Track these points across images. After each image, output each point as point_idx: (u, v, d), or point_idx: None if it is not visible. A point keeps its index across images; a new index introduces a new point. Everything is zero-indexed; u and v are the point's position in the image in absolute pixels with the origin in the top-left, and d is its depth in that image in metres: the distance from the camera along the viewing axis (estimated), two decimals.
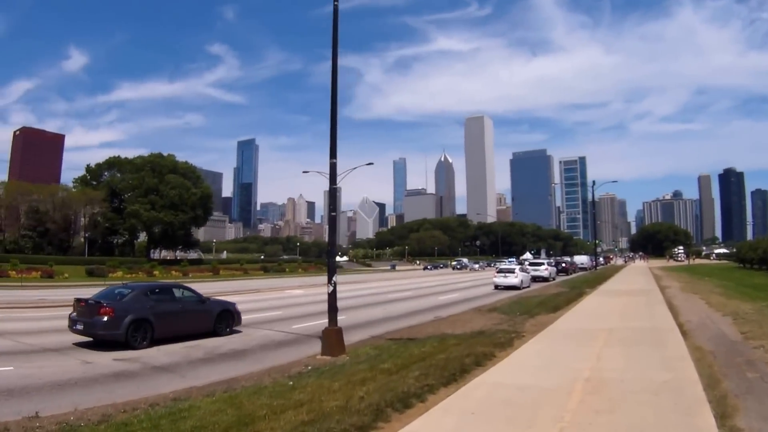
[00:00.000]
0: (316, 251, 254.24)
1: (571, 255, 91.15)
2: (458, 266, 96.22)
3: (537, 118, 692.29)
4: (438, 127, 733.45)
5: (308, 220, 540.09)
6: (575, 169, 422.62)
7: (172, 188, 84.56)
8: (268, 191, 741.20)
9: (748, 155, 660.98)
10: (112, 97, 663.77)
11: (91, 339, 13.98)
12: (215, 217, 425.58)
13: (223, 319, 16.38)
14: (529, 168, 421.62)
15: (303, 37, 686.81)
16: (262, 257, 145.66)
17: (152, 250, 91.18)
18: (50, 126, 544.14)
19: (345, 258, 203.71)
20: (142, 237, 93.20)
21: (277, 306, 25.88)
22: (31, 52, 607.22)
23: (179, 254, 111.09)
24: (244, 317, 17.69)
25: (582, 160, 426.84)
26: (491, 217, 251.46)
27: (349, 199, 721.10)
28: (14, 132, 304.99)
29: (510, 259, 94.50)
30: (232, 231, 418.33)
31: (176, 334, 14.86)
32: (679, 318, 17.21)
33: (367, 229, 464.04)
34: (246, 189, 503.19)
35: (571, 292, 28.97)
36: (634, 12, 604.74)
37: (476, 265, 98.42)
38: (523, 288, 35.65)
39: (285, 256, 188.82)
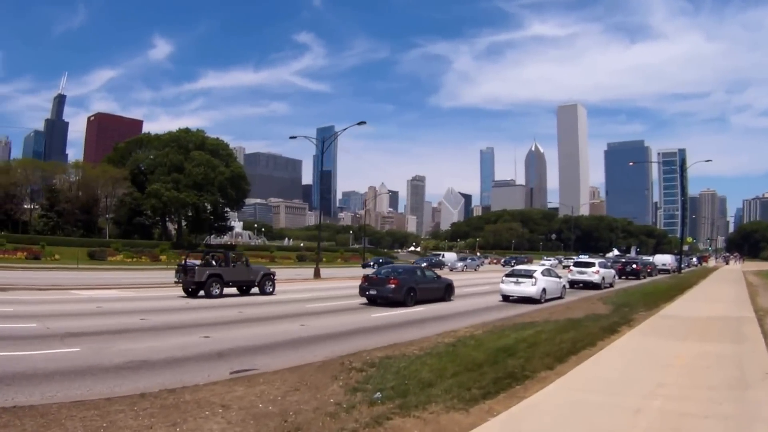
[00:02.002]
0: (390, 241, 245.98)
1: (666, 254, 73.46)
2: (510, 262, 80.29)
3: (635, 108, 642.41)
4: (529, 116, 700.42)
5: (390, 209, 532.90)
6: (674, 162, 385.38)
7: (196, 166, 76.93)
8: (350, 180, 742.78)
9: None
10: (198, 86, 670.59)
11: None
12: (295, 204, 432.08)
13: (448, 290, 23.66)
14: (625, 160, 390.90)
15: (390, 25, 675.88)
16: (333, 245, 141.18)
17: (177, 233, 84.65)
18: (135, 114, 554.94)
19: (417, 248, 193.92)
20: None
21: None
22: (114, 41, 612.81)
23: (221, 239, 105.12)
24: None
25: (681, 152, 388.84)
26: (584, 211, 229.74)
27: (434, 190, 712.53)
28: (89, 117, 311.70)
29: (583, 255, 79.02)
30: (312, 218, 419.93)
31: (426, 298, 21.91)
32: None
33: (451, 220, 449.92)
34: (326, 177, 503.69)
35: (611, 316, 16.51)
36: None
37: (548, 262, 79.19)
38: (546, 301, 23.35)
39: (356, 245, 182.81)
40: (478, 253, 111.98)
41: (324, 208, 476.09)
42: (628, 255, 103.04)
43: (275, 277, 25.23)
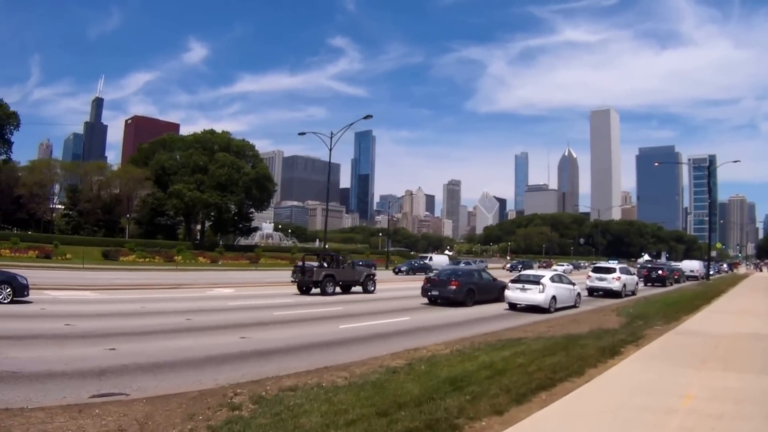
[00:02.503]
0: (425, 244, 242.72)
1: (695, 260, 68.29)
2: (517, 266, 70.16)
3: (667, 113, 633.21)
4: (563, 121, 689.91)
5: (427, 213, 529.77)
6: (704, 168, 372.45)
7: (220, 167, 76.07)
8: (387, 184, 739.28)
9: None
10: (235, 90, 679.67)
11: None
12: (332, 207, 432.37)
13: (502, 292, 22.58)
14: (657, 166, 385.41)
15: (425, 29, 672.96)
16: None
17: (198, 233, 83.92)
18: (173, 117, 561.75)
19: (450, 252, 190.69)
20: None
21: None
22: (150, 44, 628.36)
23: (251, 239, 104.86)
24: None
25: (711, 158, 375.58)
26: (615, 216, 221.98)
27: (470, 194, 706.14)
28: (126, 120, 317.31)
29: (613, 261, 74.57)
30: (348, 221, 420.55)
31: (483, 299, 22.77)
32: None
33: (486, 224, 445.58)
34: (363, 180, 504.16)
35: (619, 331, 13.79)
36: (765, 6, 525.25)
37: (561, 267, 71.63)
38: (556, 310, 20.59)
39: (392, 248, 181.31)
40: (508, 257, 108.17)
41: (361, 212, 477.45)
42: (658, 261, 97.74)
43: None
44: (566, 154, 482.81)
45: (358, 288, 27.38)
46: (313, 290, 25.34)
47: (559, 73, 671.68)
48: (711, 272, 55.86)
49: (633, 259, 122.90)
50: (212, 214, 78.53)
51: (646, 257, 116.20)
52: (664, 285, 39.09)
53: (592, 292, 28.57)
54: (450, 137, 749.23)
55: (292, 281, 26.49)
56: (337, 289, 26.00)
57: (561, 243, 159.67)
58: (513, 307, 21.14)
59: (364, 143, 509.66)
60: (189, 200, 73.22)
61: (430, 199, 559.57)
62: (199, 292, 26.30)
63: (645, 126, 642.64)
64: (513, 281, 21.56)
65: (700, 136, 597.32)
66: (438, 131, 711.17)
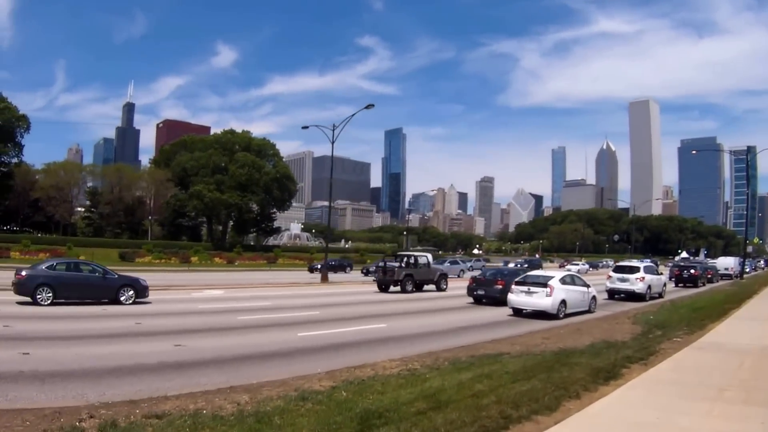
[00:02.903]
0: (454, 243, 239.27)
1: (730, 256, 63.79)
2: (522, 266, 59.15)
3: (706, 104, 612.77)
4: (600, 113, 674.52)
5: (459, 211, 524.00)
6: (743, 161, 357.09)
7: (240, 167, 75.25)
8: (419, 182, 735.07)
9: None
10: (265, 91, 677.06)
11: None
12: (362, 206, 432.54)
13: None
14: (698, 158, 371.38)
15: (454, 24, 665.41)
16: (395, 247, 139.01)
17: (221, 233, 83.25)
18: (205, 120, 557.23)
19: (480, 251, 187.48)
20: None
21: None
22: (178, 49, 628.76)
23: (276, 240, 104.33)
24: None
25: (751, 148, 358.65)
26: (655, 211, 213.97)
27: (504, 191, 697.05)
28: (157, 124, 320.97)
29: (645, 259, 70.42)
30: (379, 220, 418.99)
31: None
32: None
33: (520, 222, 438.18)
34: (394, 179, 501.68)
35: (627, 345, 11.41)
36: None
37: (581, 267, 63.75)
38: (565, 316, 18.24)
39: (419, 247, 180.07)
40: (537, 255, 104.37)
41: (392, 211, 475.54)
42: (695, 258, 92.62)
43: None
44: (604, 147, 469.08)
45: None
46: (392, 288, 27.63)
47: (594, 64, 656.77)
48: (747, 269, 51.85)
49: (671, 257, 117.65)
50: (233, 214, 77.80)
51: (684, 255, 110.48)
52: (695, 285, 35.79)
53: (613, 294, 25.82)
54: (483, 133, 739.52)
55: (373, 280, 29.60)
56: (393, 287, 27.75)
57: (596, 240, 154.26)
58: (518, 312, 18.84)
59: (395, 141, 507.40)
60: (209, 201, 72.63)
61: (462, 197, 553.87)
62: (186, 294, 24.88)
63: (685, 117, 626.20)
64: (517, 283, 19.15)
65: (741, 126, 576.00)
66: (470, 127, 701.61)
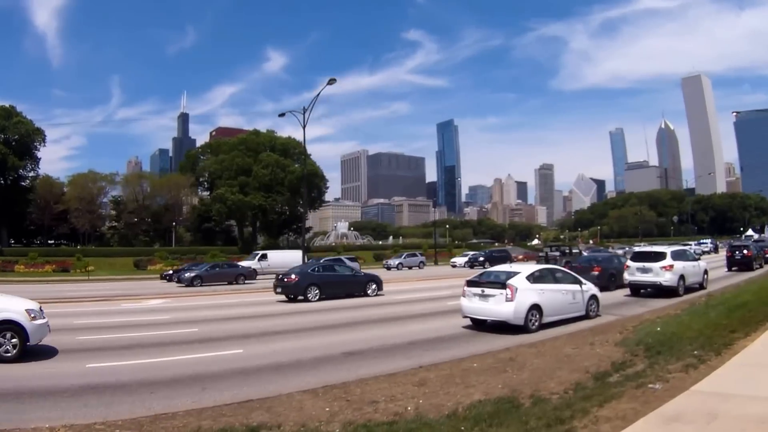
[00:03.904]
0: (512, 234, 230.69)
1: None
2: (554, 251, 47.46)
3: (757, 76, 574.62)
4: (655, 92, 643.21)
5: (518, 201, 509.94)
6: None
7: (263, 167, 72.77)
8: (476, 174, 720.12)
9: None
10: (317, 93, 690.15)
11: None
12: (418, 202, 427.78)
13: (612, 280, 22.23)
14: (757, 131, 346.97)
15: (500, 11, 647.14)
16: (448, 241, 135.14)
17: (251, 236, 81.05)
18: (260, 126, 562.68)
19: (536, 241, 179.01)
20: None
21: None
22: (229, 58, 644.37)
23: (323, 241, 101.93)
24: None
25: None
26: (720, 189, 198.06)
27: (565, 177, 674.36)
28: (210, 133, 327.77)
29: (704, 241, 62.45)
30: (436, 215, 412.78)
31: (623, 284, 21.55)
32: None
33: (583, 208, 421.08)
34: (450, 172, 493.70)
35: (569, 402, 6.48)
36: None
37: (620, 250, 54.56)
38: (538, 327, 13.26)
39: (474, 240, 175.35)
40: (592, 242, 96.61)
41: (449, 204, 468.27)
42: (762, 236, 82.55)
43: None
44: (663, 126, 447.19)
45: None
46: None
47: (643, 42, 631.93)
48: None
49: (737, 236, 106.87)
50: (258, 215, 75.55)
51: (750, 233, 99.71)
52: (750, 268, 29.69)
53: (637, 289, 20.59)
54: (538, 119, 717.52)
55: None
56: None
57: (659, 223, 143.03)
58: (479, 324, 14.05)
59: (447, 134, 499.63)
60: (232, 204, 70.49)
61: (521, 187, 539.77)
62: (134, 304, 21.97)
63: (737, 91, 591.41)
64: (470, 283, 14.14)
65: None
66: (525, 114, 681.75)
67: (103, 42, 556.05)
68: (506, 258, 47.83)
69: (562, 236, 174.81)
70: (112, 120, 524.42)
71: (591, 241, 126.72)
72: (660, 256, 20.24)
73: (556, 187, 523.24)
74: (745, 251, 31.39)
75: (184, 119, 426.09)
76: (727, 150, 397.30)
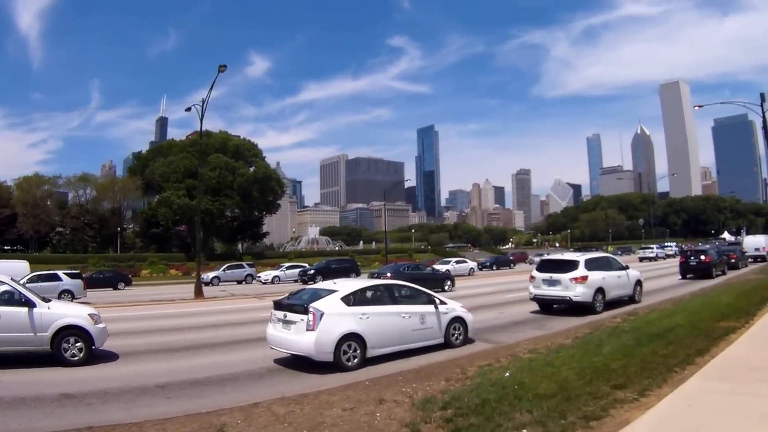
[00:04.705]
0: (487, 238, 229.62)
1: (763, 235, 53.59)
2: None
3: (737, 82, 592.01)
4: (633, 99, 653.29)
5: (496, 205, 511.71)
6: None
7: (211, 170, 69.68)
8: (456, 179, 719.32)
9: None
10: (300, 98, 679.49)
11: None
12: (397, 207, 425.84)
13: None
14: (733, 137, 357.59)
15: (482, 18, 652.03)
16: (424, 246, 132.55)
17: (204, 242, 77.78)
18: (241, 131, 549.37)
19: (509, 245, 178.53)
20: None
21: None
22: (211, 61, 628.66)
23: (294, 246, 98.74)
24: None
25: None
26: (696, 192, 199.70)
27: (542, 182, 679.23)
28: (187, 136, 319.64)
29: (668, 244, 61.07)
30: (415, 219, 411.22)
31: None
32: None
33: (557, 212, 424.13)
34: (429, 177, 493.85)
35: None
36: None
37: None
38: (363, 363, 10.19)
39: (451, 245, 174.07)
40: (557, 245, 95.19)
41: (428, 209, 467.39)
42: (737, 238, 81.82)
43: None
44: (638, 132, 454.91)
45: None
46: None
47: (624, 49, 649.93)
48: None
49: (710, 239, 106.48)
50: (206, 219, 72.25)
51: (726, 235, 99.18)
52: (708, 276, 26.64)
53: (546, 305, 17.46)
54: (519, 125, 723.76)
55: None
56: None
57: (630, 226, 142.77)
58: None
59: (427, 139, 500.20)
60: (177, 207, 67.27)
61: (499, 191, 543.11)
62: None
63: (717, 96, 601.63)
64: (276, 306, 11.07)
65: None
66: (506, 121, 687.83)
67: (83, 46, 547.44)
68: (350, 270, 37.61)
69: (534, 240, 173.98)
70: (90, 124, 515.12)
71: (553, 244, 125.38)
72: (570, 266, 16.97)
73: (533, 191, 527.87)
74: (702, 257, 28.18)
75: (162, 123, 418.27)
76: (705, 155, 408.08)
